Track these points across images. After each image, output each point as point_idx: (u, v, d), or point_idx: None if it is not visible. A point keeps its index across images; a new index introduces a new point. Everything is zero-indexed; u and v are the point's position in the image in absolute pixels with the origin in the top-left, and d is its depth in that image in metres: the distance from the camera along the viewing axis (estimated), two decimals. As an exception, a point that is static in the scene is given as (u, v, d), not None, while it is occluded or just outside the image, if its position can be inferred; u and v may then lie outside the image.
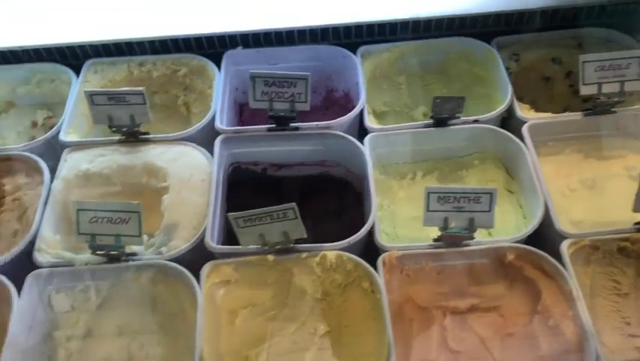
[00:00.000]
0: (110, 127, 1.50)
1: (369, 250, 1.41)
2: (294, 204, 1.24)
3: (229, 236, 1.44)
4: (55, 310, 1.36)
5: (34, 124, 1.85)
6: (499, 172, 1.61)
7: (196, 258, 1.39)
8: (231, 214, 1.25)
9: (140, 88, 1.46)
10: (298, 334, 1.31)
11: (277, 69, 1.73)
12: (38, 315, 1.33)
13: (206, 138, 1.61)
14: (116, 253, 1.31)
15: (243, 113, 1.87)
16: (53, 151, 1.63)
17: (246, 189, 1.65)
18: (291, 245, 1.32)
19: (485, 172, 1.61)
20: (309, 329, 1.31)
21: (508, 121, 1.67)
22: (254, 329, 1.31)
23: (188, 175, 1.49)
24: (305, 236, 1.28)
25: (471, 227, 1.28)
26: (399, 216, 1.54)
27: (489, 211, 1.25)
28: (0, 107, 1.86)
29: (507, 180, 1.60)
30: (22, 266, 1.39)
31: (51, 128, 1.85)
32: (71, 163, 1.53)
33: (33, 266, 1.39)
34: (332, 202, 1.66)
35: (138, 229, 1.27)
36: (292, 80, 1.45)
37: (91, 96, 1.45)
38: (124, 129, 1.51)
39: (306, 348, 1.28)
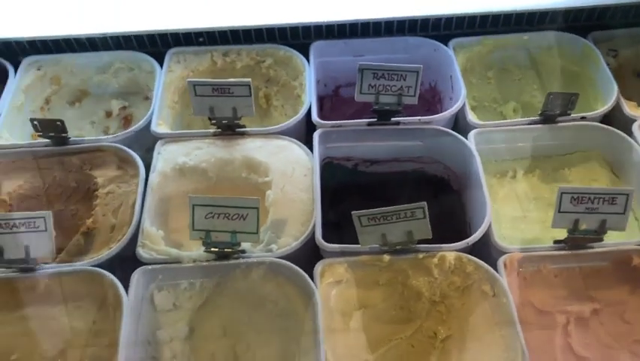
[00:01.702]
0: (211, 119, 1.45)
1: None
2: (424, 204, 1.19)
3: (327, 233, 1.40)
4: (158, 309, 1.31)
5: (109, 114, 1.80)
6: (604, 171, 1.55)
7: (299, 256, 1.36)
8: (355, 213, 1.20)
9: (247, 79, 1.40)
10: (415, 338, 1.27)
11: (362, 61, 1.71)
12: (143, 314, 1.29)
13: (295, 132, 1.57)
14: (230, 250, 1.26)
15: (323, 107, 1.83)
16: (137, 142, 1.58)
17: (336, 185, 1.61)
18: (412, 246, 1.27)
19: (589, 171, 1.56)
20: (428, 332, 1.27)
21: (609, 119, 1.63)
22: (370, 331, 1.27)
23: (291, 170, 1.44)
24: (430, 237, 1.23)
25: (601, 229, 1.23)
26: (502, 217, 1.49)
27: (623, 213, 1.20)
28: (74, 97, 1.81)
29: (612, 180, 1.54)
30: (120, 263, 1.36)
31: (125, 118, 1.83)
32: (166, 156, 1.47)
33: (132, 263, 1.34)
34: (426, 200, 1.62)
35: (256, 226, 1.22)
36: (402, 73, 1.39)
37: (194, 86, 1.39)
38: (224, 122, 1.46)
39: (427, 352, 1.24)
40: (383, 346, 1.24)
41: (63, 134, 1.46)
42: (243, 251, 1.29)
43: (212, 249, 1.26)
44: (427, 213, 1.20)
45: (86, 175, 1.49)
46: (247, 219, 1.22)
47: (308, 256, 1.37)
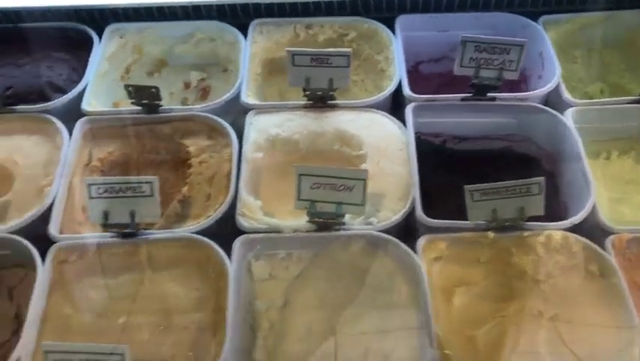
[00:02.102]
0: (305, 90, 1.44)
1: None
2: (541, 179, 1.17)
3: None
4: (255, 278, 1.31)
5: (187, 85, 1.78)
6: None
7: (394, 231, 1.34)
8: (468, 187, 1.18)
9: (347, 49, 1.38)
10: (520, 316, 1.24)
11: (447, 36, 1.68)
12: (242, 282, 1.29)
13: (383, 107, 1.53)
14: (333, 220, 1.25)
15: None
16: (224, 113, 1.55)
17: (422, 161, 1.59)
18: (521, 223, 1.25)
19: (687, 153, 1.53)
20: (532, 311, 1.24)
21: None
22: (472, 309, 1.24)
23: (385, 144, 1.42)
24: (542, 213, 1.21)
25: None
26: (598, 198, 1.46)
27: None
28: (153, 67, 1.80)
29: None
30: (215, 231, 1.34)
31: (203, 90, 1.81)
32: (259, 127, 1.46)
33: (226, 232, 1.35)
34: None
35: (362, 197, 1.20)
36: (506, 47, 1.36)
37: (293, 56, 1.38)
38: (319, 93, 1.44)
39: (533, 331, 1.21)
40: (487, 323, 1.22)
41: (156, 102, 1.46)
42: (344, 223, 1.28)
43: (316, 219, 1.25)
44: (543, 189, 1.17)
45: (177, 144, 1.49)
46: (353, 191, 1.20)
47: (399, 231, 1.36)
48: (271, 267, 1.32)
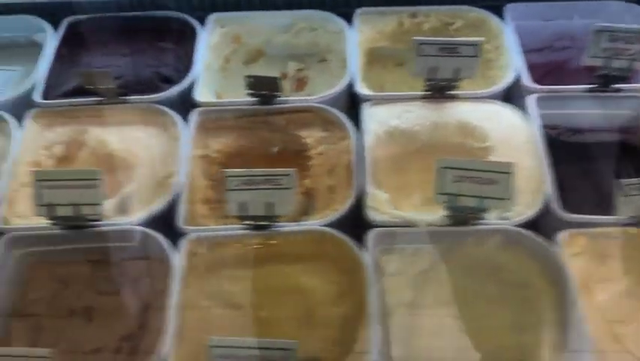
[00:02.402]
0: (429, 80, 1.40)
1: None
2: None
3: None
4: (384, 273, 1.28)
5: (284, 76, 1.75)
6: None
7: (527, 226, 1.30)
8: (625, 181, 1.15)
9: (478, 39, 1.35)
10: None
11: (552, 25, 1.64)
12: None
13: (499, 97, 1.49)
14: (473, 215, 1.22)
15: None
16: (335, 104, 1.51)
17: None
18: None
19: None
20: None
21: None
22: (616, 306, 1.22)
23: (509, 136, 1.38)
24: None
25: None
26: None
27: None
28: (250, 57, 1.78)
29: None
30: (340, 225, 1.32)
31: (300, 80, 1.79)
32: (377, 118, 1.43)
33: (351, 226, 1.32)
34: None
35: (508, 192, 1.16)
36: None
37: (420, 45, 1.35)
38: (442, 83, 1.41)
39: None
40: (634, 321, 1.20)
41: (275, 93, 1.44)
42: (484, 218, 1.25)
43: (455, 214, 1.22)
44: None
45: (293, 136, 1.46)
46: (499, 185, 1.17)
47: (530, 226, 1.32)
48: (400, 261, 1.29)
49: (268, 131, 1.48)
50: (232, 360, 0.97)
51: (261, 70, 1.77)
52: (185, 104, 1.53)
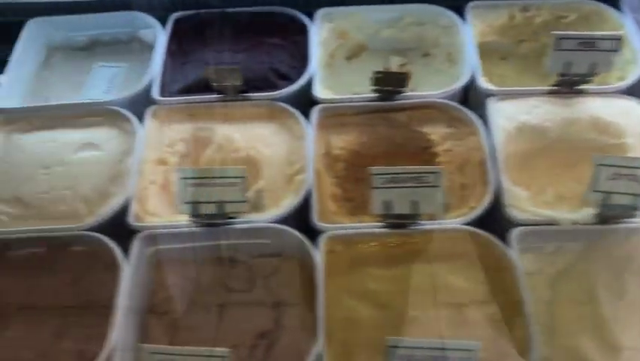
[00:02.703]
0: (563, 75, 1.37)
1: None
2: None
3: None
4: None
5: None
6: None
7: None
8: None
9: (619, 32, 1.32)
10: None
11: None
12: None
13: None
14: (624, 213, 1.19)
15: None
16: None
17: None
18: None
19: None
20: None
21: None
22: None
23: (646, 132, 1.36)
24: None
25: None
26: None
27: None
28: (352, 52, 1.75)
29: None
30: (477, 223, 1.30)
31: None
32: (504, 113, 1.40)
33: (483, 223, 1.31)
34: None
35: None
36: None
37: (558, 40, 1.31)
38: (575, 78, 1.38)
39: None
40: None
41: (401, 89, 1.42)
42: (633, 215, 1.22)
43: (606, 212, 1.20)
44: None
45: (415, 132, 1.44)
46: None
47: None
48: (539, 260, 1.26)
49: (389, 128, 1.46)
50: (410, 361, 0.96)
51: (364, 65, 1.74)
52: (300, 101, 1.53)
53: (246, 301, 1.30)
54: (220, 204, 1.21)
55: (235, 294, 1.32)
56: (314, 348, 1.12)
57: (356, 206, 1.37)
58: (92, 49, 1.77)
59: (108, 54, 1.74)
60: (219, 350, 1.02)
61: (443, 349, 0.95)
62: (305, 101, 1.53)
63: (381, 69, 1.72)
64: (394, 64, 1.75)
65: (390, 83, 1.39)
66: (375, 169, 1.19)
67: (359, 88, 1.67)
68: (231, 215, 1.23)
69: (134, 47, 1.74)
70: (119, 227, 1.33)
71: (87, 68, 1.68)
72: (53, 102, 1.56)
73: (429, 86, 1.56)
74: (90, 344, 1.21)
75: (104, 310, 1.25)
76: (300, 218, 1.34)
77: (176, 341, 1.25)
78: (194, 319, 1.28)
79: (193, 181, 1.21)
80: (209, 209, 1.22)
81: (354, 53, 1.76)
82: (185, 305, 1.29)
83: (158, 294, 1.31)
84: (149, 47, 1.72)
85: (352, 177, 1.41)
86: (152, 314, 1.28)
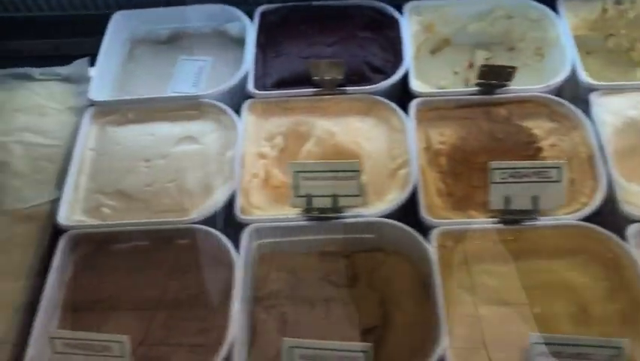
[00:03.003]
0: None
1: None
2: None
3: None
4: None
5: (470, 65, 1.71)
6: None
7: None
8: None
9: None
10: None
11: None
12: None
13: None
14: None
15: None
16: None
17: None
18: None
19: None
20: None
21: None
22: None
23: None
24: None
25: None
26: None
27: None
28: (436, 46, 1.73)
29: None
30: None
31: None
32: (609, 108, 1.38)
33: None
34: None
35: None
36: None
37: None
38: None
39: None
40: None
41: (506, 82, 1.40)
42: None
43: None
44: None
45: (517, 127, 1.42)
46: None
47: None
48: (650, 257, 1.26)
49: (489, 122, 1.44)
50: (551, 358, 0.95)
51: (447, 59, 1.72)
52: (393, 95, 1.52)
53: (351, 296, 1.29)
54: (334, 197, 1.21)
55: (339, 289, 1.31)
56: (437, 345, 1.11)
57: (457, 201, 1.36)
58: (174, 42, 1.76)
59: (190, 47, 1.73)
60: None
61: (589, 346, 0.94)
62: (397, 95, 1.52)
63: (466, 63, 1.76)
64: (480, 58, 1.72)
65: (495, 77, 1.38)
66: (495, 164, 1.18)
67: (444, 82, 1.67)
68: (344, 209, 1.23)
69: (218, 41, 1.73)
70: (222, 220, 1.33)
71: (170, 61, 1.68)
72: (144, 95, 1.55)
73: (515, 81, 1.53)
74: (202, 338, 1.22)
75: (214, 303, 1.26)
76: (403, 213, 1.34)
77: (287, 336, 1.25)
78: (301, 314, 1.27)
79: (308, 175, 1.20)
80: (324, 203, 1.21)
81: (438, 47, 1.74)
82: (291, 300, 1.30)
83: (263, 288, 1.30)
84: (232, 41, 1.72)
85: (452, 171, 1.40)
86: (260, 308, 1.27)
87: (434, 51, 1.75)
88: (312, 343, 1.05)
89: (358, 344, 1.02)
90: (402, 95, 1.54)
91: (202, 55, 1.70)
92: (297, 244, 1.32)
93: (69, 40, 1.86)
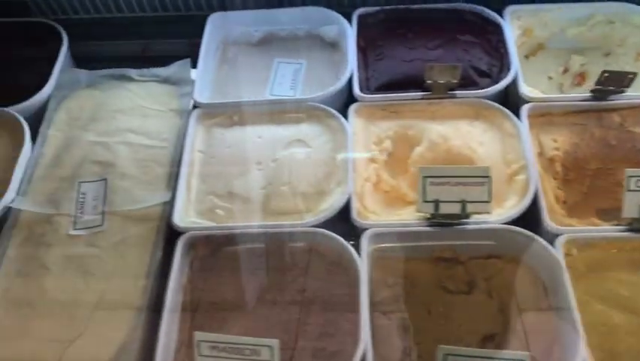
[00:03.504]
0: None
1: None
2: None
3: None
4: None
5: (565, 70, 1.70)
6: None
7: None
8: None
9: None
10: None
11: None
12: None
13: None
14: None
15: None
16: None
17: None
18: None
19: None
20: None
21: None
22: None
23: None
24: None
25: None
26: None
27: None
28: (530, 50, 1.71)
29: None
30: None
31: (580, 75, 1.71)
32: None
33: None
34: None
35: None
36: None
37: None
38: None
39: None
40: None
41: (624, 89, 1.39)
42: None
43: None
44: None
45: (630, 133, 1.40)
46: None
47: None
48: None
49: (601, 128, 1.42)
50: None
51: (541, 64, 1.71)
52: (496, 99, 1.50)
53: (469, 302, 1.28)
54: (463, 203, 1.20)
55: (456, 295, 1.30)
56: (576, 355, 1.10)
57: (570, 208, 1.35)
58: (266, 44, 1.75)
59: (283, 50, 1.73)
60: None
61: None
62: (497, 100, 1.51)
63: (560, 68, 1.75)
64: (576, 63, 1.70)
65: (615, 83, 1.36)
66: (630, 171, 1.17)
67: (540, 87, 1.67)
68: (472, 215, 1.22)
69: (310, 43, 1.73)
70: (335, 224, 1.33)
71: (263, 64, 1.69)
72: (246, 98, 1.54)
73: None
74: (326, 342, 1.21)
75: (337, 307, 1.26)
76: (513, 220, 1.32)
77: (410, 344, 1.22)
78: (420, 319, 1.27)
79: (435, 180, 1.20)
80: (452, 208, 1.20)
81: (532, 52, 1.73)
82: (408, 305, 1.29)
83: (380, 292, 1.30)
84: (325, 43, 1.72)
85: (564, 178, 1.39)
86: (378, 313, 1.27)
87: (528, 56, 1.74)
88: (469, 351, 1.05)
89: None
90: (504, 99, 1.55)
91: (294, 57, 1.71)
92: (413, 249, 1.31)
93: (154, 41, 1.89)
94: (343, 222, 1.35)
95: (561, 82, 1.70)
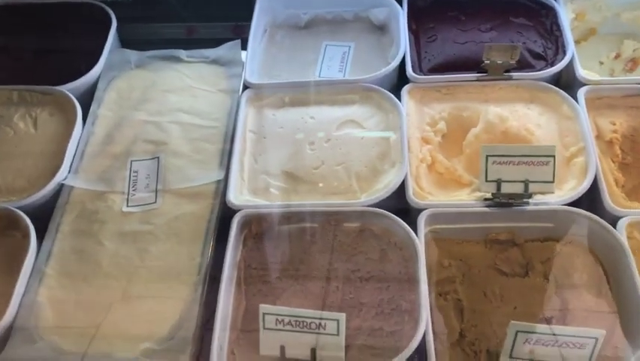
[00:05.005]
0: None
1: None
2: None
3: None
4: None
5: (617, 55, 1.67)
6: None
7: None
8: None
9: None
10: None
11: None
12: None
13: None
14: None
15: None
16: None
17: None
18: None
19: None
20: None
21: None
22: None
23: None
24: None
25: None
26: None
27: None
28: (581, 35, 1.69)
29: None
30: None
31: (632, 61, 1.68)
32: None
33: None
34: None
35: None
36: None
37: None
38: None
39: None
40: None
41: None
42: None
43: None
44: None
45: (690, 118, 1.39)
46: None
47: None
48: None
49: (659, 112, 1.41)
50: None
51: (592, 49, 1.68)
52: (550, 82, 1.48)
53: (525, 285, 1.25)
54: (526, 183, 1.18)
55: (512, 278, 1.27)
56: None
57: (628, 191, 1.32)
58: (312, 27, 1.74)
59: (329, 33, 1.72)
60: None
61: None
62: (551, 83, 1.48)
63: (612, 53, 1.71)
64: (628, 48, 1.67)
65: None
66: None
67: (590, 72, 1.65)
68: (535, 195, 1.20)
69: (357, 26, 1.72)
70: (389, 204, 1.32)
71: (310, 46, 1.68)
72: (297, 79, 1.54)
73: None
74: (383, 321, 1.19)
75: (392, 287, 1.23)
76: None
77: (466, 325, 1.21)
78: (476, 301, 1.25)
79: (499, 159, 1.18)
80: (514, 188, 1.19)
81: (583, 37, 1.70)
82: (464, 286, 1.27)
83: (437, 273, 1.27)
84: (372, 26, 1.71)
85: (622, 161, 1.37)
86: (434, 294, 1.24)
87: (579, 40, 1.71)
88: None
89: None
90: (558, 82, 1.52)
91: (341, 40, 1.70)
92: (469, 231, 1.29)
93: (199, 24, 1.88)
94: (394, 203, 1.33)
95: (612, 67, 1.67)
